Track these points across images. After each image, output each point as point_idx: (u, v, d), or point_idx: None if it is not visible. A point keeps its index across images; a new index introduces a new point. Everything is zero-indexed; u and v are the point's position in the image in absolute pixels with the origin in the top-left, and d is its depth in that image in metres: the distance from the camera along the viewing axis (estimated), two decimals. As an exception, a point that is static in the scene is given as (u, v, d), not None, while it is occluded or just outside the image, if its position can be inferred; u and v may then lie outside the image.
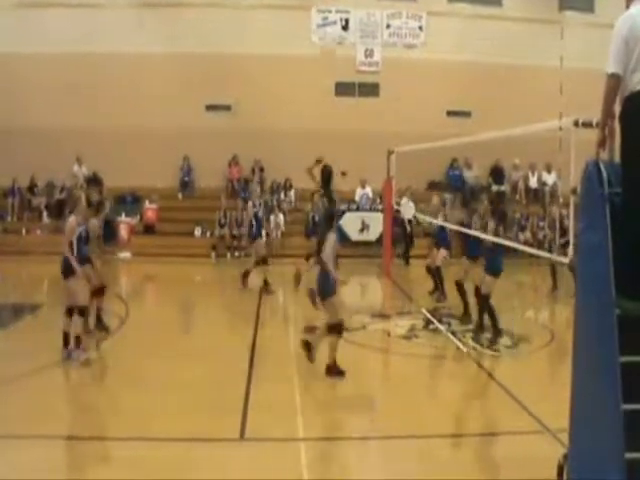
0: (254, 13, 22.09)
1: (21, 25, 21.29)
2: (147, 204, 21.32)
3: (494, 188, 22.22)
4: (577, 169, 5.71)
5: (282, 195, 22.26)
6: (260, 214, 15.08)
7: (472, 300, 11.51)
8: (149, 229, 21.13)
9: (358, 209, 20.82)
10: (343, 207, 19.25)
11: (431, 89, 22.02)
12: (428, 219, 15.08)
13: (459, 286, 12.10)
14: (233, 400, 7.74)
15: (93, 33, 21.20)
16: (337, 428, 7.52)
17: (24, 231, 20.81)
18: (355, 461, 6.72)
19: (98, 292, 10.49)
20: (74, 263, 9.12)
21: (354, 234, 20.31)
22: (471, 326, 11.37)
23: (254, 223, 14.74)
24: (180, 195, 22.49)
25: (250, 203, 14.97)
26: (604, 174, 4.61)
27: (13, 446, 6.46)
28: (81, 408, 8.12)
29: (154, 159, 21.36)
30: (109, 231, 11.30)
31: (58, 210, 20.13)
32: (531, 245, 17.48)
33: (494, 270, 10.57)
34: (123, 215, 20.49)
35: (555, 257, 11.72)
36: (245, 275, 15.04)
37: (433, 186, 22.06)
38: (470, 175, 22.48)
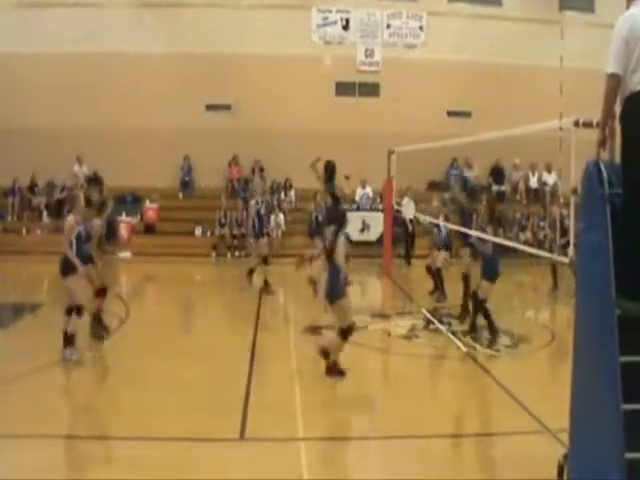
0: (254, 13, 22.10)
1: (21, 25, 21.29)
2: (147, 204, 21.33)
3: (494, 188, 22.24)
4: (577, 169, 5.71)
5: (282, 195, 22.26)
6: (262, 211, 15.06)
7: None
8: (149, 229, 21.14)
9: (358, 209, 20.82)
10: (345, 206, 19.25)
11: (431, 89, 22.02)
12: (428, 219, 15.09)
13: (465, 279, 12.11)
14: (233, 400, 7.74)
15: (93, 33, 21.20)
16: (337, 428, 7.52)
17: (24, 231, 20.82)
18: (355, 461, 6.72)
19: (100, 293, 10.48)
20: (76, 261, 9.11)
21: (354, 234, 20.30)
22: (466, 325, 11.36)
23: (256, 221, 14.70)
24: (180, 195, 22.50)
25: (253, 201, 14.94)
26: (604, 174, 4.61)
27: (13, 446, 6.46)
28: (81, 408, 8.12)
29: (154, 159, 21.37)
30: (110, 231, 11.29)
31: (58, 210, 20.12)
32: (531, 245, 17.47)
33: (491, 275, 10.57)
34: (123, 215, 20.49)
35: (555, 257, 11.72)
36: (250, 273, 15.02)
37: (433, 186, 22.07)
38: (470, 175, 22.48)
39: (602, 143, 4.82)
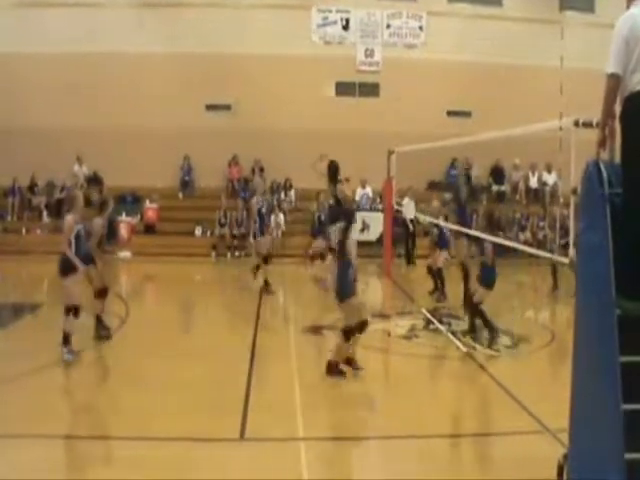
0: (254, 13, 22.10)
1: (21, 25, 21.30)
2: (147, 204, 21.34)
3: (494, 188, 22.27)
4: (577, 169, 5.71)
5: (282, 195, 22.26)
6: (264, 210, 15.05)
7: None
8: (149, 229, 21.15)
9: (358, 209, 20.80)
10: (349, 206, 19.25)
11: (431, 89, 22.02)
12: (428, 219, 15.09)
13: (464, 269, 12.15)
14: (233, 400, 7.74)
15: (93, 33, 21.21)
16: (337, 428, 7.51)
17: (24, 230, 20.83)
18: (355, 461, 6.72)
19: (101, 294, 10.47)
20: (76, 261, 9.10)
21: (354, 234, 20.27)
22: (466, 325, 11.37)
23: (257, 220, 14.66)
24: (180, 195, 22.50)
25: (254, 199, 14.92)
26: (604, 174, 4.61)
27: (13, 446, 6.46)
28: (81, 408, 8.12)
29: (154, 159, 21.37)
30: (110, 231, 11.29)
31: (58, 209, 20.11)
32: (531, 245, 17.47)
33: (488, 283, 10.59)
34: (123, 215, 20.49)
35: (556, 257, 11.71)
36: (256, 268, 14.94)
37: (433, 186, 22.07)
38: (470, 175, 22.46)
39: (602, 143, 4.82)
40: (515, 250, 12.52)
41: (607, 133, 4.80)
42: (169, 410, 7.38)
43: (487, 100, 21.26)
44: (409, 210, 18.99)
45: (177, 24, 21.81)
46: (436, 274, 13.96)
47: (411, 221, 19.30)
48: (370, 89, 22.78)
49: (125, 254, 19.71)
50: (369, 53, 23.05)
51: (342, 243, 8.67)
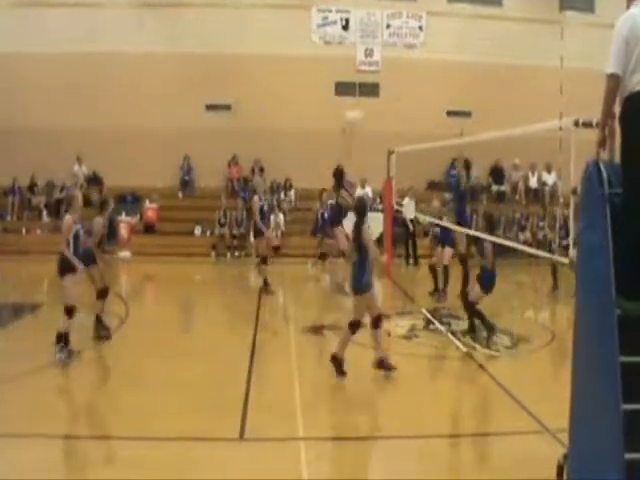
0: (254, 13, 22.11)
1: (21, 25, 21.30)
2: (147, 204, 21.34)
3: (494, 188, 22.28)
4: (577, 169, 5.71)
5: (282, 195, 22.26)
6: (265, 208, 15.03)
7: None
8: (149, 228, 21.15)
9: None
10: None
11: (431, 89, 22.02)
12: (428, 219, 15.09)
13: (463, 261, 12.17)
14: (233, 400, 7.74)
15: (93, 33, 21.22)
16: (337, 428, 7.51)
17: (24, 230, 20.84)
18: (355, 461, 6.71)
19: (101, 294, 10.47)
20: (74, 261, 9.09)
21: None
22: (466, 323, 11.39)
23: (258, 218, 14.61)
24: (180, 194, 22.50)
25: (256, 197, 14.91)
26: (604, 174, 4.61)
27: (13, 446, 6.46)
28: (81, 408, 8.12)
29: (154, 159, 21.38)
30: (110, 230, 11.30)
31: (58, 209, 20.13)
32: (530, 245, 17.48)
33: (486, 287, 10.60)
34: (123, 214, 20.50)
35: (556, 257, 11.72)
36: (263, 261, 14.78)
37: (433, 186, 22.07)
38: (470, 175, 22.44)
39: (602, 143, 4.83)
40: (515, 250, 12.51)
41: (607, 133, 4.80)
42: (169, 410, 7.38)
43: (487, 100, 21.27)
44: (409, 210, 18.99)
45: (177, 24, 21.82)
46: (443, 271, 14.00)
47: (411, 221, 19.30)
48: (370, 89, 22.78)
49: (125, 254, 19.72)
50: (369, 53, 23.05)
51: (358, 237, 8.69)
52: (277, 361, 9.65)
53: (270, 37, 21.77)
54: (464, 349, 10.20)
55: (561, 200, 15.79)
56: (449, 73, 22.06)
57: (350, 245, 9.19)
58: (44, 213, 21.34)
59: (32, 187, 21.70)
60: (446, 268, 13.88)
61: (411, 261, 19.37)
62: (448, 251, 13.74)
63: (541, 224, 19.96)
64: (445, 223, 13.62)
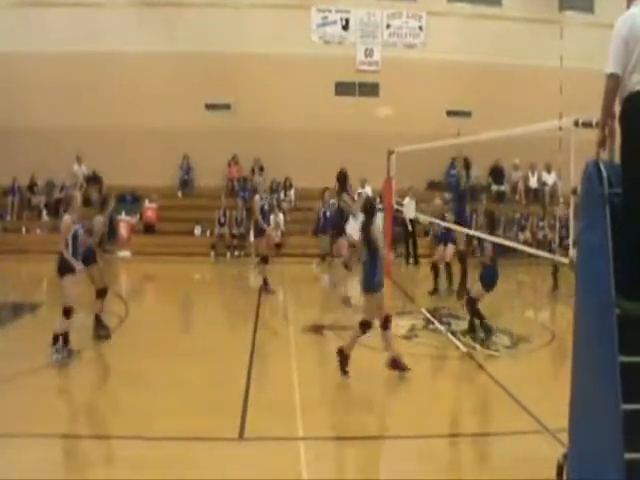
0: (254, 13, 22.10)
1: (21, 25, 21.30)
2: (147, 203, 21.33)
3: (494, 188, 22.27)
4: (577, 169, 5.71)
5: (282, 194, 22.26)
6: (266, 207, 15.02)
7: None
8: (149, 228, 21.14)
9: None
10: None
11: (431, 89, 22.01)
12: (428, 219, 15.09)
13: (462, 259, 12.13)
14: (233, 400, 7.74)
15: (93, 32, 21.20)
16: (337, 428, 7.51)
17: (24, 230, 20.84)
18: (355, 461, 6.72)
19: (100, 293, 10.47)
20: (73, 262, 9.08)
21: (354, 234, 20.25)
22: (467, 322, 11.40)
23: (259, 217, 14.60)
24: (180, 194, 22.49)
25: (257, 197, 14.91)
26: (604, 174, 4.61)
27: (13, 446, 6.45)
28: (81, 408, 8.12)
29: (154, 158, 21.37)
30: (110, 230, 11.28)
31: (57, 209, 20.12)
32: (530, 245, 17.48)
33: (486, 285, 10.61)
34: (123, 214, 20.49)
35: (556, 257, 11.72)
36: (264, 260, 14.79)
37: (433, 186, 22.07)
38: (470, 174, 22.44)
39: (602, 143, 4.83)
40: (515, 250, 12.52)
41: (607, 133, 4.80)
42: (169, 410, 7.37)
43: (487, 100, 21.26)
44: (410, 210, 18.99)
45: (177, 24, 21.81)
46: (445, 269, 14.04)
47: (411, 221, 19.30)
48: (370, 89, 22.78)
49: (124, 254, 19.72)
50: (369, 53, 23.04)
51: (368, 236, 8.69)
52: (277, 361, 9.65)
53: (270, 37, 21.77)
54: (464, 349, 10.20)
55: (561, 200, 15.79)
56: (449, 73, 22.05)
57: (352, 253, 9.21)
58: (44, 213, 21.34)
59: (32, 187, 21.70)
60: (448, 265, 13.95)
61: (411, 261, 19.39)
62: (450, 248, 13.81)
63: (541, 224, 19.98)
64: (446, 223, 13.64)
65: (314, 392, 8.24)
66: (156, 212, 21.31)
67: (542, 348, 10.56)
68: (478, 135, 13.97)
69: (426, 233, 20.08)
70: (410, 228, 19.44)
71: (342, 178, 11.78)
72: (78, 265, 9.16)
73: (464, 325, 11.30)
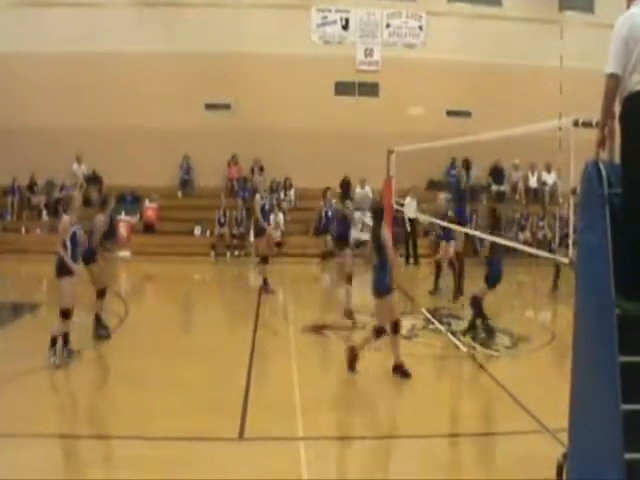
0: (254, 13, 22.11)
1: (21, 25, 21.30)
2: (147, 203, 21.33)
3: (494, 188, 22.25)
4: (577, 169, 5.70)
5: (282, 194, 22.25)
6: (267, 207, 15.02)
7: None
8: (149, 228, 21.14)
9: (358, 209, 20.78)
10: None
11: (431, 89, 22.02)
12: (429, 219, 15.09)
13: (459, 257, 12.14)
14: (232, 399, 7.74)
15: (93, 32, 21.20)
16: (337, 428, 7.52)
17: (23, 230, 20.84)
18: (355, 461, 6.71)
19: (100, 293, 10.46)
20: (70, 264, 9.04)
21: (354, 233, 20.25)
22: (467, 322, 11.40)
23: (260, 216, 14.59)
24: (180, 194, 22.49)
25: (257, 196, 14.90)
26: (604, 174, 4.61)
27: (12, 446, 6.45)
28: (80, 408, 8.11)
29: (154, 158, 21.37)
30: (110, 230, 11.27)
31: (57, 209, 20.11)
32: (530, 245, 17.48)
33: (489, 282, 10.62)
34: (123, 214, 20.49)
35: (557, 257, 11.71)
36: (264, 260, 14.78)
37: (433, 186, 22.07)
38: (470, 175, 22.44)
39: (601, 143, 4.82)
40: (515, 250, 12.53)
41: (606, 133, 4.80)
42: (169, 410, 7.37)
43: (487, 100, 21.27)
44: (410, 210, 18.98)
45: (177, 24, 21.81)
46: (449, 266, 14.07)
47: (410, 221, 19.29)
48: (370, 89, 22.78)
49: (124, 253, 19.70)
50: (369, 53, 23.04)
51: (378, 241, 8.71)
52: (277, 361, 9.65)
53: (270, 37, 21.77)
54: (464, 349, 10.20)
55: (561, 200, 15.78)
56: (449, 73, 22.05)
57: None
58: (44, 212, 21.33)
59: (32, 186, 21.70)
60: (452, 263, 13.97)
61: (411, 261, 19.39)
62: (453, 244, 13.86)
63: (541, 224, 19.98)
64: (446, 223, 13.64)
65: (314, 392, 8.24)
66: (156, 212, 21.32)
67: (542, 348, 10.56)
68: (478, 135, 13.96)
69: (426, 233, 20.08)
70: (409, 228, 19.43)
71: (345, 185, 11.79)
72: (76, 267, 9.13)
73: (464, 325, 11.30)
